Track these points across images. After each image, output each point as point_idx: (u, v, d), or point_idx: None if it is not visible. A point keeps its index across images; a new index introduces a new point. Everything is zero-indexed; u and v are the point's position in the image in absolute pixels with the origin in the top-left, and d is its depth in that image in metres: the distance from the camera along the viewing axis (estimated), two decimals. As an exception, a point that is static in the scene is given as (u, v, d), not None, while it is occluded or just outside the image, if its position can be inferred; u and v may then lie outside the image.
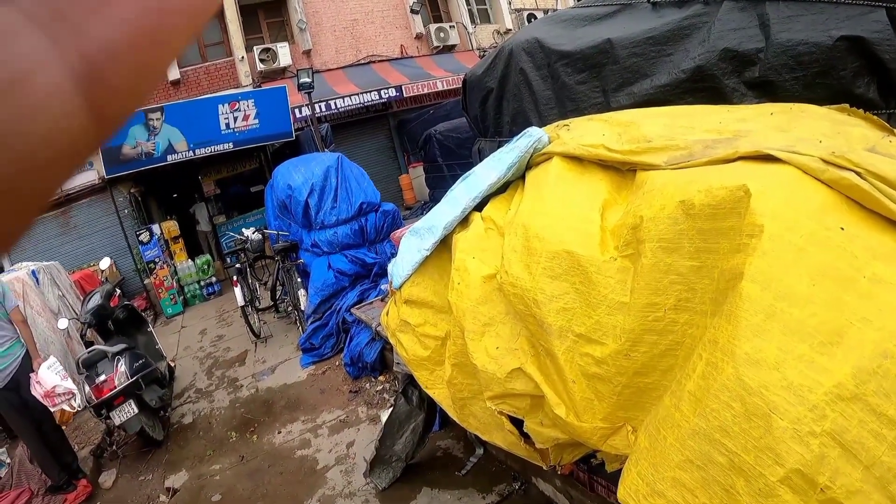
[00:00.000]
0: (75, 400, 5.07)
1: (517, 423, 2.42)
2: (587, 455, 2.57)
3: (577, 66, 3.73)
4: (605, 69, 3.54)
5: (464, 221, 2.78)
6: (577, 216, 2.11)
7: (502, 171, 2.63)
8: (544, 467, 2.59)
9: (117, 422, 5.58)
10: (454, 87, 15.50)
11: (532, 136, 2.58)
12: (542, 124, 2.78)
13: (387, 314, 3.29)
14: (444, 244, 2.86)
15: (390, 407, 4.76)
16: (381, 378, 6.16)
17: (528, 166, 2.65)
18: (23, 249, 11.89)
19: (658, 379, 1.77)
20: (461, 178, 2.89)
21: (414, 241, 2.96)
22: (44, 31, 0.26)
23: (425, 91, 15.84)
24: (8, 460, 6.07)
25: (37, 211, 0.27)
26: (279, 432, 5.79)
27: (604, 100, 3.61)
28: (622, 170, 2.24)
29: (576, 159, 2.39)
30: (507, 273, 2.19)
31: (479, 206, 2.76)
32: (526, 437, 2.44)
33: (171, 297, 12.14)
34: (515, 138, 2.67)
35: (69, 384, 5.04)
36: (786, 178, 1.60)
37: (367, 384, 6.16)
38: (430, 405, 3.96)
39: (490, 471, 4.20)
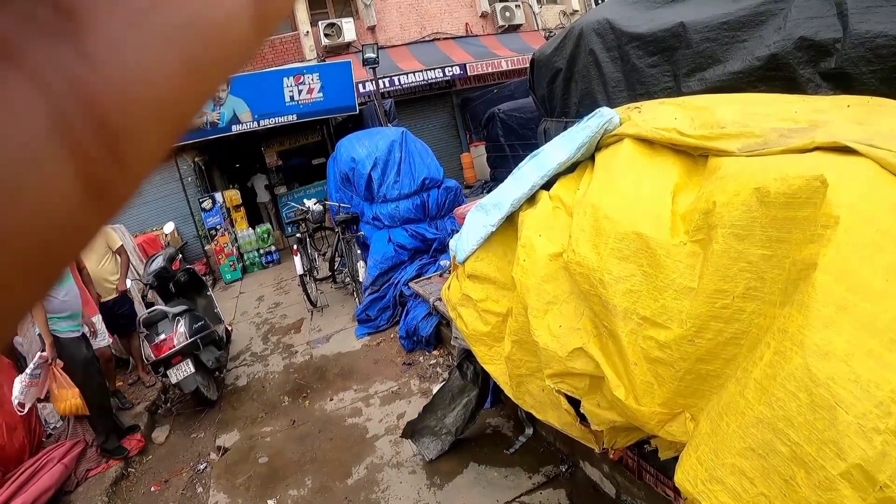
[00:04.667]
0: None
1: (574, 403, 2.44)
2: (640, 441, 2.57)
3: (648, 48, 3.70)
4: (677, 53, 3.50)
5: (531, 199, 2.79)
6: (648, 198, 2.10)
7: (572, 151, 2.62)
8: (596, 450, 2.61)
9: (174, 380, 5.81)
10: (518, 66, 15.43)
11: (603, 117, 2.57)
12: (610, 106, 2.76)
13: (448, 288, 3.33)
14: (509, 221, 2.88)
15: (443, 381, 4.81)
16: (435, 352, 6.21)
17: (598, 147, 2.64)
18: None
19: (720, 367, 1.76)
20: (529, 156, 2.89)
21: (480, 217, 2.98)
22: None
23: (489, 70, 15.76)
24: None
25: (208, 94, 0.27)
26: (331, 399, 5.90)
27: (674, 84, 3.57)
28: (694, 155, 2.22)
29: (647, 142, 2.37)
30: (575, 252, 2.20)
31: (547, 185, 2.76)
32: (581, 419, 2.46)
33: (231, 263, 12.42)
34: (586, 118, 2.66)
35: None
36: (863, 171, 1.56)
37: (421, 357, 6.22)
38: (483, 381, 4.00)
39: (538, 451, 4.21)
